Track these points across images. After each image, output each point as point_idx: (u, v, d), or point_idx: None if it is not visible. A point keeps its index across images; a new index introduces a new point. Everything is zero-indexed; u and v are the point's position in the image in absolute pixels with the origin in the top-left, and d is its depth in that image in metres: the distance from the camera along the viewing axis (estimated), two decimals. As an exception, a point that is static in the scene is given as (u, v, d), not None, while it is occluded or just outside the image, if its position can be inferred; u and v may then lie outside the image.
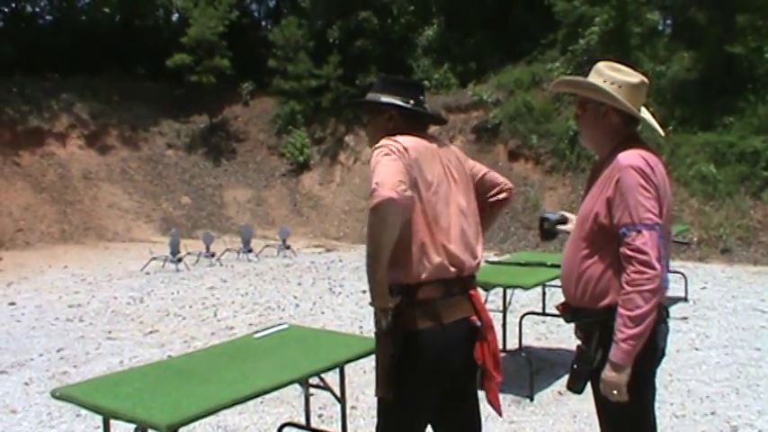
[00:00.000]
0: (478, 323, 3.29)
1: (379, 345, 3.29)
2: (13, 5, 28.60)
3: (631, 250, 2.96)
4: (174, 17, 29.08)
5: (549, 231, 3.77)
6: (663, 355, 3.27)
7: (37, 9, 29.84)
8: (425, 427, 3.39)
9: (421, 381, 3.22)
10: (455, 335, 3.24)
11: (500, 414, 3.44)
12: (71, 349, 8.79)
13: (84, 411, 3.83)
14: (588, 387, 3.27)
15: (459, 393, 3.39)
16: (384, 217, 2.94)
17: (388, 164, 3.05)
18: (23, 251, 18.48)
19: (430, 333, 3.19)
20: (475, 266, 3.37)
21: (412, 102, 3.39)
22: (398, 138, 3.22)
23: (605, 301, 3.13)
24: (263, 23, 32.41)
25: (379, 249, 3.01)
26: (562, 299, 3.48)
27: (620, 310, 2.98)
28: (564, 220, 3.74)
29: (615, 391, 3.03)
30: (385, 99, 3.39)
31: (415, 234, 3.18)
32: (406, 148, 3.15)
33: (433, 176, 3.21)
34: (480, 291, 3.50)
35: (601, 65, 3.30)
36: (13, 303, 11.78)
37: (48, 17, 29.93)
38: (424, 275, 3.18)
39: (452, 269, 3.24)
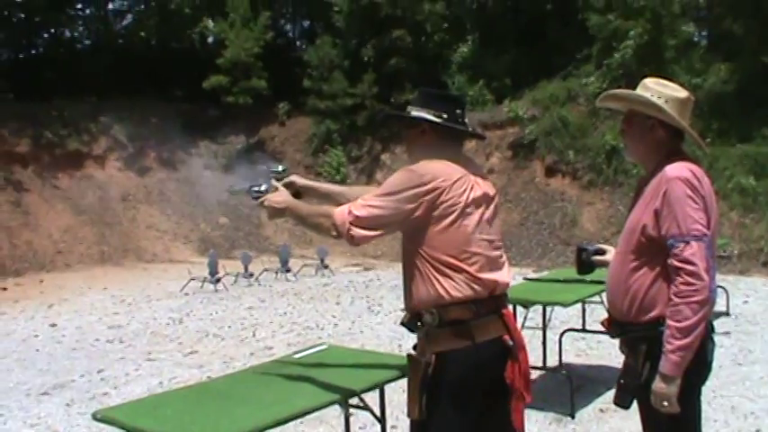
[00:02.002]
0: (510, 342, 3.24)
1: (411, 365, 3.29)
2: (53, 31, 29.02)
3: (680, 261, 2.96)
4: (210, 39, 29.33)
5: (586, 262, 3.75)
6: (710, 370, 3.25)
7: (75, 34, 30.28)
8: None
9: (453, 401, 3.18)
10: (488, 354, 3.20)
11: None
12: (111, 370, 8.84)
13: (124, 433, 3.84)
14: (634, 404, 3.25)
15: (495, 413, 3.32)
16: (326, 231, 3.30)
17: (386, 201, 3.19)
18: (63, 273, 18.66)
19: (463, 353, 3.17)
20: (505, 286, 3.33)
21: (445, 116, 3.33)
22: (428, 164, 3.21)
23: (653, 314, 3.13)
24: (298, 44, 32.62)
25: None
26: (602, 315, 3.45)
27: (669, 322, 2.98)
28: (602, 252, 3.72)
29: (666, 403, 3.02)
30: (415, 113, 3.36)
31: (443, 255, 3.17)
32: (432, 178, 3.15)
33: (461, 198, 3.17)
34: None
35: (648, 80, 3.32)
36: (54, 325, 11.88)
37: (86, 41, 30.36)
38: (454, 296, 3.16)
39: (483, 289, 3.20)
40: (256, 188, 3.75)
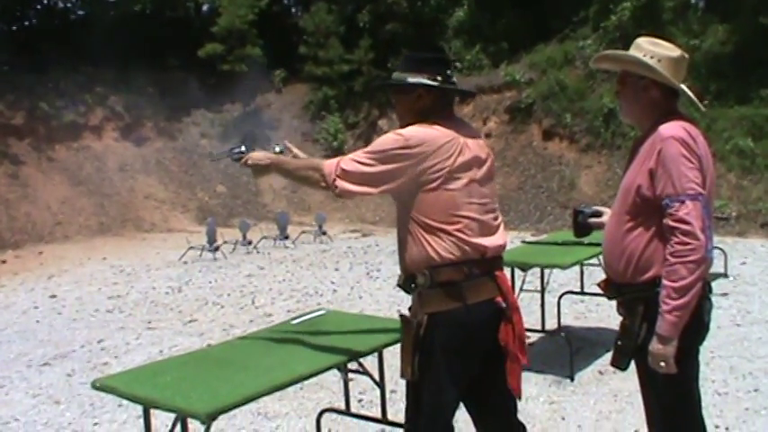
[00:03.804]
0: (503, 304, 3.27)
1: (403, 326, 3.32)
2: (45, 2, 28.79)
3: (675, 221, 2.95)
4: (205, 7, 29.13)
5: (582, 225, 3.73)
6: (707, 330, 3.24)
7: (69, 4, 30.01)
8: (456, 407, 3.38)
9: (445, 362, 3.22)
10: (479, 316, 3.23)
11: (518, 397, 3.38)
12: (112, 340, 8.87)
13: (125, 401, 3.85)
14: (632, 365, 3.26)
15: (490, 375, 3.36)
16: (313, 184, 3.36)
17: (371, 159, 3.24)
18: (63, 244, 18.63)
19: (454, 314, 3.20)
20: (498, 248, 3.34)
21: (440, 78, 3.34)
22: (416, 129, 3.24)
23: (649, 275, 3.12)
24: (293, 10, 32.37)
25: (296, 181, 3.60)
26: (600, 278, 3.45)
27: (665, 282, 2.97)
28: (598, 214, 3.69)
29: (663, 363, 3.02)
30: (412, 79, 3.35)
31: (432, 218, 3.20)
32: (419, 142, 3.18)
33: (446, 163, 3.18)
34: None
35: (641, 40, 3.29)
36: (54, 296, 11.90)
37: (80, 12, 30.10)
38: (445, 257, 3.19)
39: (474, 251, 3.22)
40: (237, 149, 3.77)
